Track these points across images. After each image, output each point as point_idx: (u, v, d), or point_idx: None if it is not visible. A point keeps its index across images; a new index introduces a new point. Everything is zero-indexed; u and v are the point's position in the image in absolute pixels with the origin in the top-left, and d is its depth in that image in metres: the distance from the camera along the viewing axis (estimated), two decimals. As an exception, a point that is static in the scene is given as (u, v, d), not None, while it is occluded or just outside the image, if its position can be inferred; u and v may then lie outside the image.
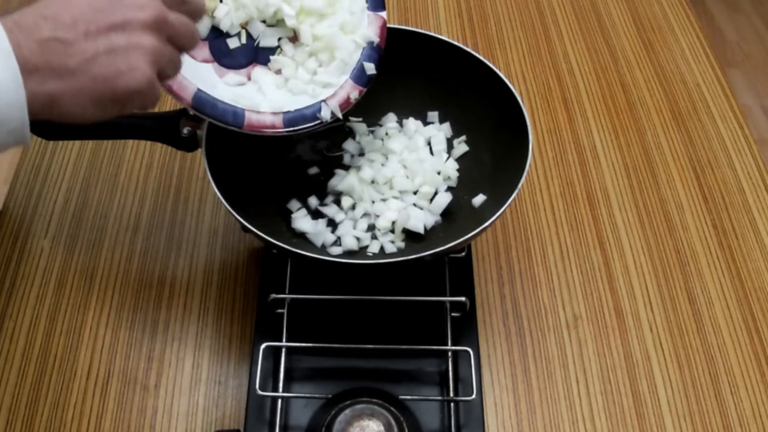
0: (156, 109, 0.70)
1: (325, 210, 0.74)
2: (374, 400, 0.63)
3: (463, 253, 0.76)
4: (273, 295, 0.69)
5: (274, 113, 0.66)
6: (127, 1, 0.46)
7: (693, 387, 0.72)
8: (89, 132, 0.72)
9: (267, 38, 0.68)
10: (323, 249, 0.72)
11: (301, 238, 0.72)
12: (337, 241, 0.72)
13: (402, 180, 0.74)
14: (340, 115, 0.68)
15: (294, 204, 0.74)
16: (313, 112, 0.67)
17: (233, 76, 0.67)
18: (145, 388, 0.70)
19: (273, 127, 0.65)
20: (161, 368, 0.71)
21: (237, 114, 0.64)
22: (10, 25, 0.42)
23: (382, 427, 0.61)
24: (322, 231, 0.72)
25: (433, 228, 0.73)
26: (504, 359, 0.73)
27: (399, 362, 0.69)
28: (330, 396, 0.65)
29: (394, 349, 0.68)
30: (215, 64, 0.67)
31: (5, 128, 0.42)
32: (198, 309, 0.75)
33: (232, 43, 0.68)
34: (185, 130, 0.68)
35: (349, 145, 0.78)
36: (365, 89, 0.69)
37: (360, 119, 0.79)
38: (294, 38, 0.69)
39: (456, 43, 0.74)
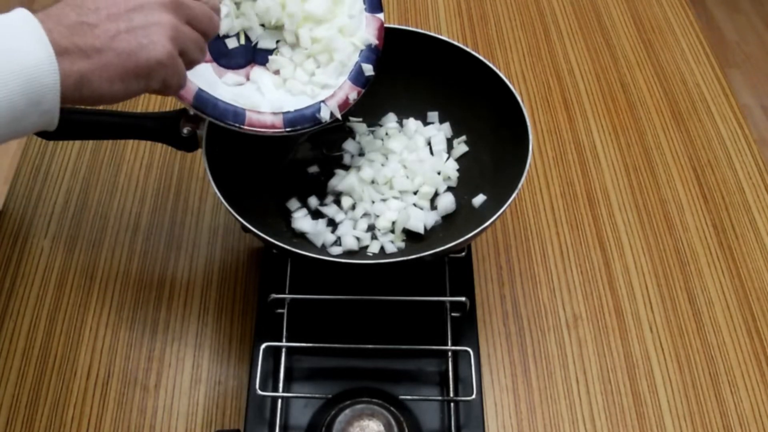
0: (155, 109, 0.70)
1: (324, 210, 0.74)
2: (374, 400, 0.63)
3: (463, 253, 0.76)
4: (273, 295, 0.69)
5: (274, 113, 0.66)
6: None
7: (693, 387, 0.72)
8: (89, 132, 0.72)
9: (265, 40, 0.69)
10: (323, 249, 0.72)
11: (301, 238, 0.72)
12: (337, 241, 0.72)
13: (402, 180, 0.74)
14: (339, 116, 0.68)
15: (293, 203, 0.74)
16: (312, 113, 0.67)
17: (232, 76, 0.67)
18: (145, 388, 0.70)
19: (273, 127, 0.66)
20: (161, 368, 0.71)
21: (238, 114, 0.64)
22: (40, 16, 0.46)
23: (382, 427, 0.61)
24: (322, 231, 0.72)
25: (433, 228, 0.73)
26: (504, 359, 0.73)
27: (399, 362, 0.69)
28: (330, 396, 0.65)
29: (394, 349, 0.68)
30: (214, 64, 0.67)
31: (39, 108, 0.45)
32: (198, 309, 0.75)
33: (231, 44, 0.68)
34: (185, 130, 0.68)
35: (349, 145, 0.78)
36: (363, 90, 0.69)
37: (360, 119, 0.79)
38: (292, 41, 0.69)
39: (456, 43, 0.74)
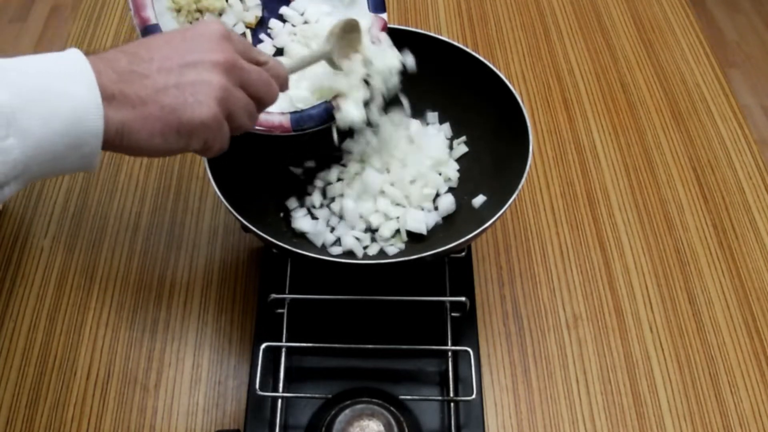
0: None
1: (322, 212, 0.74)
2: (374, 400, 0.63)
3: (463, 253, 0.76)
4: (273, 295, 0.69)
5: (282, 113, 0.66)
6: (200, 43, 0.48)
7: (693, 387, 0.72)
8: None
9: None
10: (323, 249, 0.72)
11: (301, 238, 0.72)
12: (337, 241, 0.72)
13: (402, 181, 0.74)
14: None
15: (292, 202, 0.74)
16: (319, 113, 0.68)
17: None
18: (145, 388, 0.70)
19: (281, 126, 0.66)
20: (161, 368, 0.71)
21: None
22: (93, 59, 0.44)
23: (382, 427, 0.61)
24: (322, 231, 0.72)
25: (434, 228, 0.73)
26: (504, 359, 0.73)
27: (399, 362, 0.69)
28: (330, 396, 0.65)
29: (394, 349, 0.68)
30: None
31: (79, 152, 0.44)
32: (198, 309, 0.75)
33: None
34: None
35: (348, 145, 0.78)
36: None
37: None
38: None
39: (456, 43, 0.74)
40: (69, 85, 0.42)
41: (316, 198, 0.75)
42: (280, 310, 0.69)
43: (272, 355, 0.68)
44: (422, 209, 0.74)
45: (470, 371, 0.66)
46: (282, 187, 0.76)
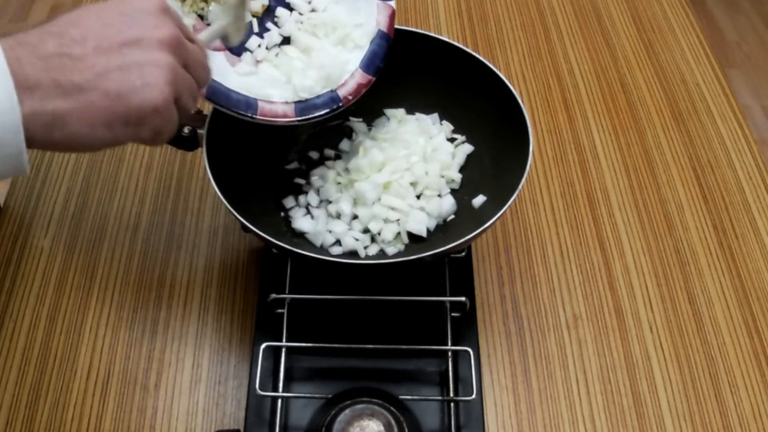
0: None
1: (320, 212, 0.74)
2: (374, 400, 0.63)
3: (463, 253, 0.76)
4: (273, 295, 0.69)
5: (286, 103, 0.66)
6: (140, 18, 0.43)
7: (693, 387, 0.72)
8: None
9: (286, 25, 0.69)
10: (323, 249, 0.72)
11: (301, 238, 0.72)
12: (338, 241, 0.72)
13: (403, 183, 0.74)
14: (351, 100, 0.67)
15: (289, 201, 0.74)
16: (324, 101, 0.67)
17: (244, 66, 0.66)
18: (145, 388, 0.70)
19: (285, 116, 0.65)
20: (161, 368, 0.71)
21: (250, 104, 0.64)
22: (10, 43, 0.39)
23: (382, 427, 0.61)
24: (322, 231, 0.72)
25: (434, 229, 0.73)
26: (504, 359, 0.73)
27: (399, 362, 0.69)
28: (330, 396, 0.65)
29: (394, 349, 0.68)
30: (226, 52, 0.66)
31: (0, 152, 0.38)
32: (198, 309, 0.75)
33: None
34: (186, 130, 0.67)
35: (345, 145, 0.78)
36: (374, 78, 0.69)
37: (360, 119, 0.79)
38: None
39: (456, 43, 0.74)
40: None
41: (312, 198, 0.74)
42: (280, 310, 0.69)
43: (272, 355, 0.68)
44: (423, 211, 0.73)
45: (470, 371, 0.66)
46: (281, 187, 0.76)
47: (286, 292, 0.71)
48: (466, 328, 0.71)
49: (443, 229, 0.73)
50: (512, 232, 0.82)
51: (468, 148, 0.77)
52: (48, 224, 0.81)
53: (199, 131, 0.67)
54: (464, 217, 0.73)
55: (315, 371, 0.69)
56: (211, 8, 0.67)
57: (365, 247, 0.71)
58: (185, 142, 0.69)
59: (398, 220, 0.72)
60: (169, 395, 0.70)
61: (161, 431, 0.68)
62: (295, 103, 0.66)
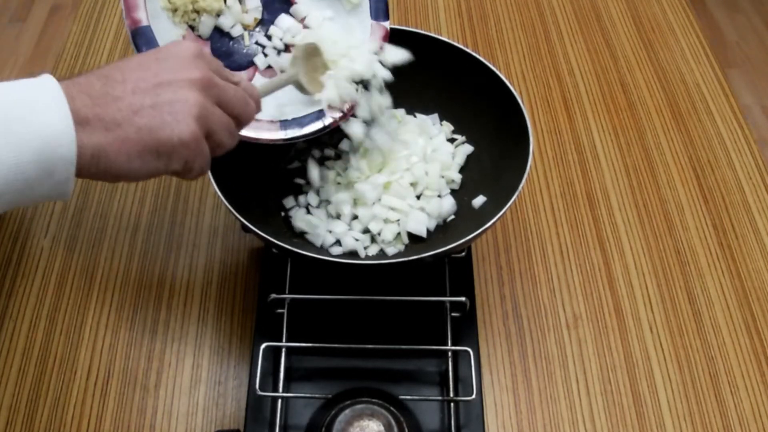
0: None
1: (319, 212, 0.74)
2: (374, 400, 0.63)
3: (463, 254, 0.76)
4: (273, 295, 0.69)
5: (272, 121, 0.66)
6: (174, 63, 0.48)
7: (693, 387, 0.72)
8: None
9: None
10: (323, 249, 0.72)
11: (301, 238, 0.72)
12: (338, 242, 0.72)
13: (403, 183, 0.74)
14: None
15: (289, 200, 0.74)
16: (311, 121, 0.67)
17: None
18: (145, 388, 0.70)
19: (270, 135, 0.65)
20: (161, 368, 0.71)
21: None
22: (66, 84, 0.44)
23: (382, 427, 0.61)
24: (321, 231, 0.72)
25: (434, 229, 0.73)
26: (504, 359, 0.73)
27: (399, 362, 0.69)
28: (330, 396, 0.65)
29: (394, 349, 0.68)
30: None
31: (51, 180, 0.43)
32: (198, 309, 0.75)
33: (235, 32, 0.68)
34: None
35: (345, 145, 0.78)
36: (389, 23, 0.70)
37: (360, 120, 0.79)
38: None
39: (456, 43, 0.74)
40: (39, 109, 0.42)
41: (311, 197, 0.74)
42: (280, 310, 0.69)
43: (272, 355, 0.68)
44: (423, 211, 0.73)
45: (470, 371, 0.66)
46: (281, 187, 0.76)
47: (286, 292, 0.71)
48: (466, 328, 0.71)
49: (443, 230, 0.73)
50: (512, 232, 0.82)
51: (468, 148, 0.77)
52: (48, 224, 0.81)
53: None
54: (464, 218, 0.73)
55: (315, 371, 0.69)
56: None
57: (365, 248, 0.72)
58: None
59: (398, 220, 0.72)
60: (169, 395, 0.70)
61: (161, 431, 0.68)
62: (281, 121, 0.66)
